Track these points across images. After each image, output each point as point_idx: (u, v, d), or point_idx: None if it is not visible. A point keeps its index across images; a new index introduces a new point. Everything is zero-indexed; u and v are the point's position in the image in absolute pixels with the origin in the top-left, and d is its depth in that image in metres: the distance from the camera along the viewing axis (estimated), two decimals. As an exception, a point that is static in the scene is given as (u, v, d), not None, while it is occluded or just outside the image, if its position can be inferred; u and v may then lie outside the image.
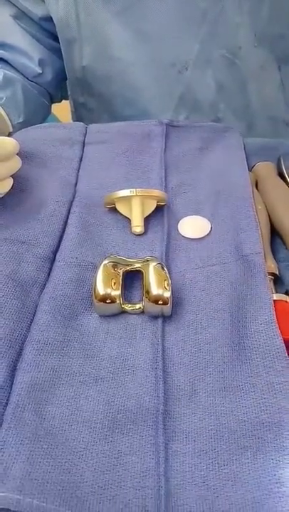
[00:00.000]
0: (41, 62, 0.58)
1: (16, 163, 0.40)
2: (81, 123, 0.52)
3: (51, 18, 0.56)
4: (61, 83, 0.64)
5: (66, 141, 0.48)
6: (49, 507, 0.23)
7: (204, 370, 0.30)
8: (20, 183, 0.42)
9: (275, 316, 0.31)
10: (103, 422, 0.28)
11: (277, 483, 0.24)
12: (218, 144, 0.49)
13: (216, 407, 0.28)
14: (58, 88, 0.65)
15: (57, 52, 0.60)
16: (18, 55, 0.57)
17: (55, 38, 0.59)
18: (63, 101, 0.71)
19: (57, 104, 0.71)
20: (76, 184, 0.44)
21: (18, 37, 0.57)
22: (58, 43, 0.59)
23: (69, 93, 0.66)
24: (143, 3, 0.50)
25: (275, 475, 0.25)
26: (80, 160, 0.47)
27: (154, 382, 0.29)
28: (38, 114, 0.60)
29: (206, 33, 0.51)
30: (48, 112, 0.66)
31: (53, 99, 0.66)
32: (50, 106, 0.67)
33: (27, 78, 0.58)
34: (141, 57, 0.54)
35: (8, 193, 0.40)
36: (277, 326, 0.31)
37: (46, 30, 0.58)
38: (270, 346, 0.30)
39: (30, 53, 0.57)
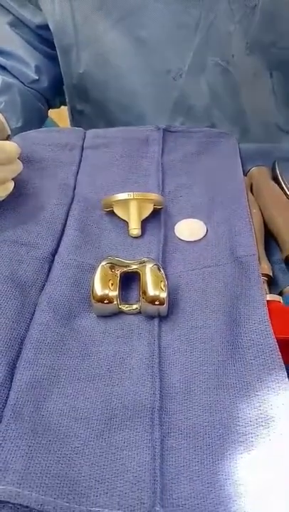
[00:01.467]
0: (37, 69, 0.59)
1: (17, 167, 0.41)
2: (80, 128, 0.53)
3: (47, 26, 0.57)
4: (58, 89, 0.65)
5: (65, 146, 0.49)
6: (48, 499, 0.24)
7: (199, 369, 0.31)
8: (20, 186, 0.43)
9: (268, 316, 0.32)
10: (100, 418, 0.28)
11: (268, 478, 0.25)
12: (214, 149, 0.50)
13: (210, 404, 0.29)
14: (54, 94, 0.66)
15: (53, 59, 0.61)
16: (15, 61, 0.58)
17: (51, 46, 0.60)
18: (62, 106, 0.72)
19: (55, 109, 0.72)
20: (75, 188, 0.45)
21: (15, 44, 0.58)
22: (54, 50, 0.60)
23: (66, 99, 0.67)
24: (139, 11, 0.51)
25: (267, 470, 0.25)
26: (79, 164, 0.48)
27: (150, 380, 0.30)
28: (35, 119, 0.61)
29: (200, 42, 0.52)
30: (45, 117, 0.67)
31: (50, 105, 0.67)
32: (47, 111, 0.68)
33: (24, 84, 0.59)
34: (137, 64, 0.55)
35: (8, 196, 0.41)
36: (270, 325, 0.32)
37: (43, 38, 0.59)
38: (264, 345, 0.31)
39: (26, 60, 0.58)
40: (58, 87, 0.65)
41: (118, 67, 0.56)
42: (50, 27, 0.56)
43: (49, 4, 0.55)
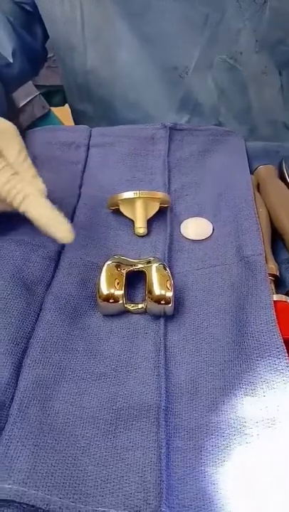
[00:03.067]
0: (13, 54, 0.56)
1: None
2: (86, 126, 0.53)
3: (30, 5, 0.55)
4: (19, 83, 0.63)
5: (71, 144, 0.49)
6: (53, 499, 0.24)
7: (205, 369, 0.30)
8: None
9: (275, 316, 0.32)
10: (106, 418, 0.28)
11: (277, 478, 0.25)
12: (220, 147, 0.49)
13: (216, 404, 0.29)
14: (14, 87, 0.63)
15: (27, 49, 0.58)
16: None
17: (30, 32, 0.57)
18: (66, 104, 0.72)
19: (59, 107, 0.71)
20: (81, 186, 0.45)
21: None
22: (33, 39, 0.57)
23: (68, 101, 0.67)
24: (146, 8, 0.51)
25: (273, 469, 0.25)
26: (85, 162, 0.48)
27: (156, 380, 0.30)
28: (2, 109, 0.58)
29: (208, 38, 0.51)
30: (4, 108, 0.61)
31: (6, 95, 0.62)
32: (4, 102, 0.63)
33: None
34: (143, 60, 0.55)
35: None
36: (277, 325, 0.31)
37: (24, 22, 0.56)
38: (270, 345, 0.30)
39: (4, 40, 0.55)
40: (21, 81, 0.62)
41: (125, 63, 0.56)
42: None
43: (58, 2, 0.54)
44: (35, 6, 0.56)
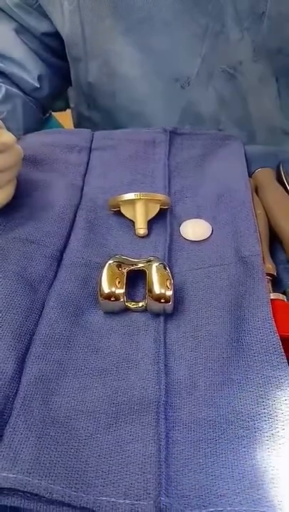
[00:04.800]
0: (39, 78, 0.59)
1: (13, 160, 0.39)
2: (88, 129, 0.54)
3: (53, 34, 0.57)
4: (56, 97, 0.65)
5: (73, 147, 0.50)
6: (56, 488, 0.24)
7: (204, 365, 0.31)
8: (29, 186, 0.44)
9: (272, 314, 0.33)
10: (107, 412, 0.29)
11: (272, 470, 0.26)
12: (219, 151, 0.50)
13: (214, 399, 0.29)
14: (52, 103, 0.66)
15: (56, 68, 0.61)
16: (17, 68, 0.58)
17: (55, 55, 0.60)
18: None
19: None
20: (83, 188, 0.46)
21: (19, 51, 0.58)
22: (58, 59, 0.60)
23: (72, 105, 0.68)
24: (147, 21, 0.51)
25: (269, 462, 0.26)
26: (87, 165, 0.49)
27: (156, 375, 0.31)
28: (34, 129, 0.61)
29: (208, 49, 0.52)
30: (42, 125, 0.67)
31: (45, 113, 0.67)
32: (43, 119, 0.67)
33: (24, 92, 0.59)
34: (145, 73, 0.56)
35: (18, 196, 0.41)
36: (274, 323, 0.32)
37: (47, 46, 0.59)
38: (267, 342, 0.31)
39: (29, 67, 0.58)
40: (57, 96, 0.65)
41: (126, 76, 0.56)
42: (63, 37, 0.57)
43: (59, 16, 0.55)
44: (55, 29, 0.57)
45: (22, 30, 0.58)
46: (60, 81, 0.63)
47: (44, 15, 0.57)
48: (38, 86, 0.59)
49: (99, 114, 0.64)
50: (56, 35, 0.58)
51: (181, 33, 0.52)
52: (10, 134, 0.38)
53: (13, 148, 0.39)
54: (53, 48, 0.60)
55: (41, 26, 0.57)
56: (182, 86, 0.56)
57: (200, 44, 0.52)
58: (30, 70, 0.58)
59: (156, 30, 0.52)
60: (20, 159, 0.40)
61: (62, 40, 0.58)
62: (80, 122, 0.68)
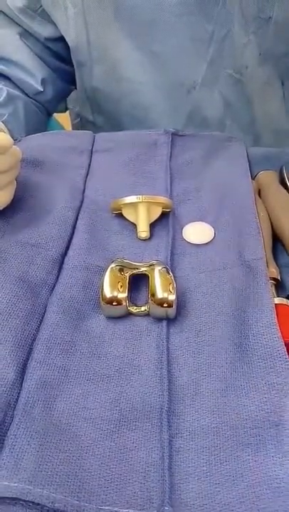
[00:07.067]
0: (43, 81, 0.59)
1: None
2: (89, 131, 0.53)
3: (57, 38, 0.57)
4: (60, 101, 0.65)
5: (75, 149, 0.50)
6: (58, 497, 0.24)
7: (207, 371, 0.31)
8: (31, 188, 0.44)
9: (276, 319, 0.33)
10: (110, 418, 0.29)
11: (277, 478, 0.25)
12: (222, 153, 0.50)
13: (218, 406, 0.29)
14: (56, 106, 0.66)
15: (60, 72, 0.61)
16: (21, 72, 0.58)
17: (60, 58, 0.60)
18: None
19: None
20: (84, 191, 0.46)
21: (23, 55, 0.58)
22: (62, 63, 0.60)
23: (71, 108, 0.68)
24: (152, 25, 0.51)
25: (275, 471, 0.26)
26: (88, 167, 0.49)
27: (158, 381, 0.30)
28: (37, 131, 0.61)
29: (214, 54, 0.52)
30: (46, 127, 0.67)
31: (50, 115, 0.67)
32: (47, 122, 0.68)
33: (27, 95, 0.59)
34: (150, 78, 0.55)
35: (19, 199, 0.41)
36: (278, 328, 0.32)
37: (51, 51, 0.59)
38: (271, 348, 0.31)
39: (33, 71, 0.58)
40: (60, 99, 0.65)
41: (132, 81, 0.56)
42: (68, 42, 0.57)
43: (64, 21, 0.55)
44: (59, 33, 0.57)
45: (26, 34, 0.58)
46: (64, 85, 0.63)
47: (48, 20, 0.57)
48: (42, 90, 0.59)
49: (103, 119, 0.63)
50: (60, 39, 0.58)
51: (187, 38, 0.52)
52: (7, 136, 0.37)
53: (10, 150, 0.38)
54: (57, 52, 0.60)
55: (45, 31, 0.57)
56: (188, 91, 0.55)
57: (206, 49, 0.52)
58: (34, 74, 0.59)
59: (161, 35, 0.52)
60: (19, 161, 0.40)
61: (67, 45, 0.58)
62: (83, 126, 0.68)
